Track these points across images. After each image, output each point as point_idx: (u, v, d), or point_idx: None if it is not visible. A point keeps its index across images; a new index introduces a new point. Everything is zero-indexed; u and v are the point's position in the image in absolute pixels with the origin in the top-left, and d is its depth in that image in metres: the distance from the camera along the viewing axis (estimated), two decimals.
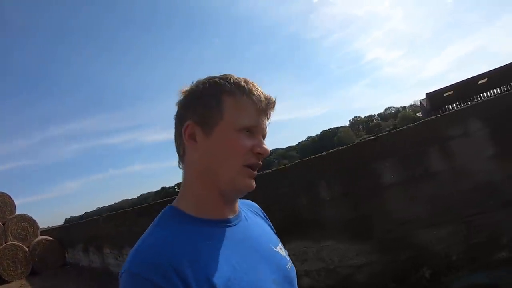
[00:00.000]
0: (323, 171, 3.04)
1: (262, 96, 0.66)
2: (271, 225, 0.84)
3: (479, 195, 2.31)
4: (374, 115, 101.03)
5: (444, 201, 2.43)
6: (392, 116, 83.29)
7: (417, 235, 2.54)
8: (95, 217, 8.76)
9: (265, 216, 0.85)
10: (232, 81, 0.66)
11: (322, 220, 3.02)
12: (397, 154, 2.64)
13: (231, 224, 0.66)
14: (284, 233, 0.97)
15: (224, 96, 0.64)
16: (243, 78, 0.68)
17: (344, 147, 3.08)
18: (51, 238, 10.08)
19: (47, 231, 11.60)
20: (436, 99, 20.66)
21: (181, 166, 0.69)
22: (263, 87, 0.70)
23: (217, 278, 0.55)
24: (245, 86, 0.65)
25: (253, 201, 0.85)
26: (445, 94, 20.06)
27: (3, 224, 9.52)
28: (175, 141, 0.70)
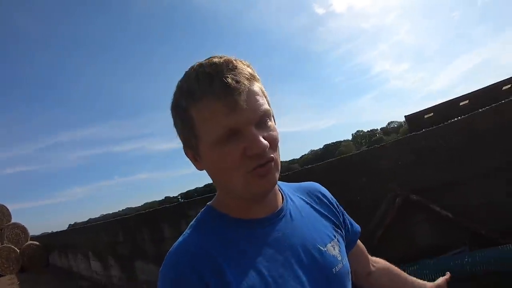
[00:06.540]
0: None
1: (223, 83, 0.51)
2: (337, 209, 0.75)
3: None
4: (377, 129, 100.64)
5: None
6: (395, 130, 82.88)
7: None
8: (68, 229, 11.78)
9: (329, 199, 0.75)
10: (189, 81, 0.55)
11: None
12: None
13: (264, 224, 0.60)
14: None
15: (190, 109, 0.55)
16: (198, 67, 0.55)
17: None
18: (37, 243, 12.09)
19: (37, 237, 13.57)
20: (416, 121, 19.76)
21: None
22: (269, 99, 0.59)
23: (238, 285, 0.51)
24: (198, 84, 0.53)
25: None
26: (425, 116, 19.23)
27: (0, 230, 11.75)
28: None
